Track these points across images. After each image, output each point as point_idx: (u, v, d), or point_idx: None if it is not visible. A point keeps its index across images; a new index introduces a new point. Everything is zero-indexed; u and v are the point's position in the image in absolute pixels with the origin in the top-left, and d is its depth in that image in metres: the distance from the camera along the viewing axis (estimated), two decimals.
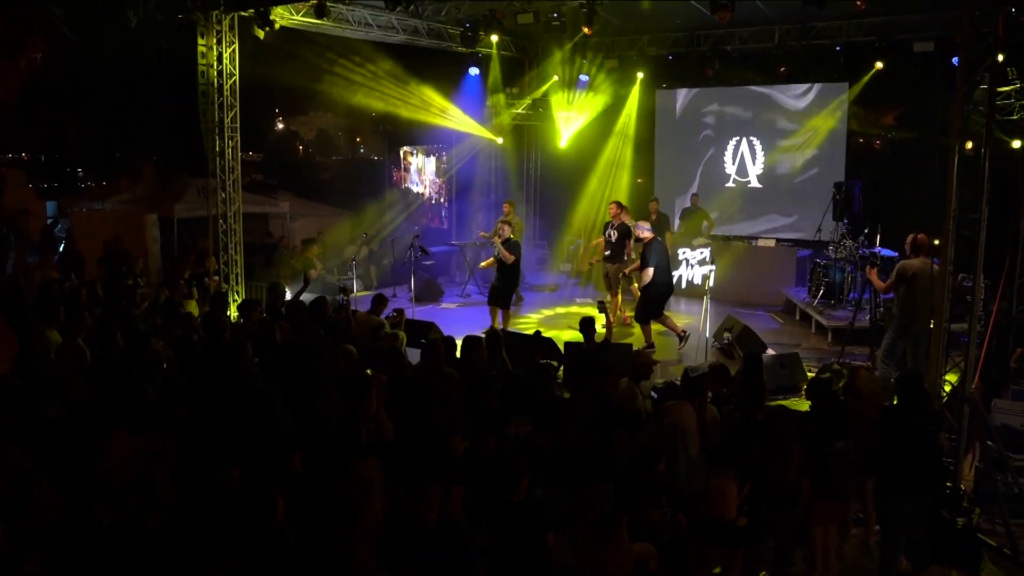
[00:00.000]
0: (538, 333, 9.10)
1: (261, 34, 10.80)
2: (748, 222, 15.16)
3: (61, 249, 15.05)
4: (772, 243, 14.22)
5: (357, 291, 11.94)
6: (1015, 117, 7.22)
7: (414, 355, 8.02)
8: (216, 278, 11.22)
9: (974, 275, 6.51)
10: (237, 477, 4.68)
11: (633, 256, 11.58)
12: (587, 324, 8.52)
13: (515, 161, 17.06)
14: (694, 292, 13.16)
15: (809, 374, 8.98)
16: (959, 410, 6.45)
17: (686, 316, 12.20)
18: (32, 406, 5.87)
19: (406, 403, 6.17)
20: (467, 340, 7.60)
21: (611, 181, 16.11)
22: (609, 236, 11.73)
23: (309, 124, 32.79)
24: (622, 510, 4.58)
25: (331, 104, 22.05)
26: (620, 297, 11.92)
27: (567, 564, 4.37)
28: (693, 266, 13.73)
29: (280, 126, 31.94)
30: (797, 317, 12.68)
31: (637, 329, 10.93)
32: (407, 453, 5.39)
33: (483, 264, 12.00)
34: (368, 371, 6.37)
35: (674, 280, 11.76)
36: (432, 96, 15.27)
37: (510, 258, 11.01)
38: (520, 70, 16.25)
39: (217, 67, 10.80)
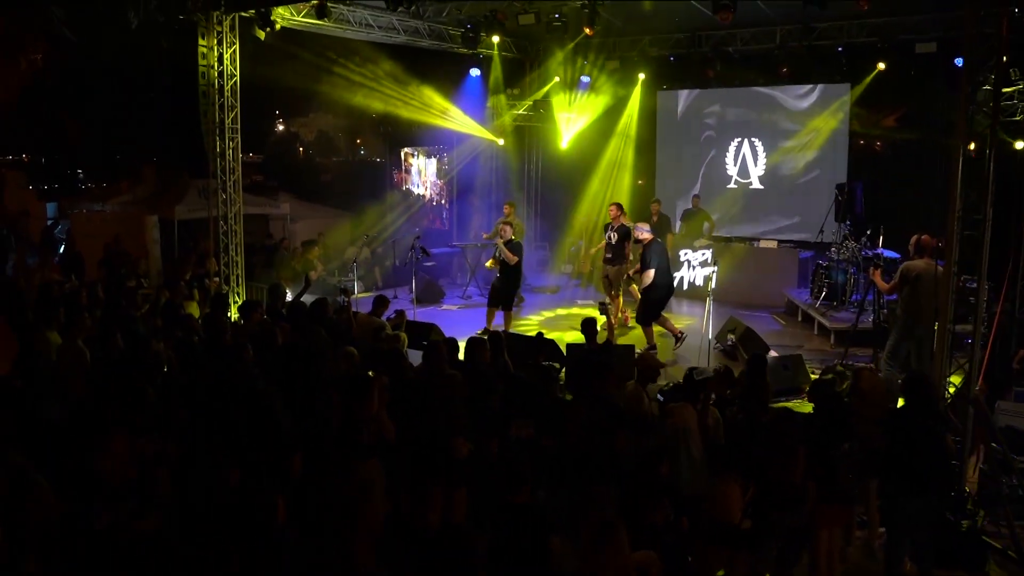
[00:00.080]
0: (540, 335, 9.09)
1: (262, 35, 10.79)
2: (750, 223, 15.15)
3: (61, 250, 15.05)
4: (774, 244, 14.17)
5: (358, 293, 11.92)
6: (1019, 118, 7.23)
7: (415, 357, 7.99)
8: (217, 279, 11.22)
9: (978, 276, 6.49)
10: (237, 478, 4.65)
11: (632, 258, 11.56)
12: (589, 325, 8.49)
13: (516, 162, 17.03)
14: (696, 294, 13.14)
15: (812, 376, 8.95)
16: (963, 412, 6.43)
17: (688, 318, 12.19)
18: (32, 407, 5.84)
19: (408, 405, 6.14)
20: (471, 342, 7.58)
21: (612, 182, 16.08)
22: (609, 238, 11.70)
23: (309, 125, 32.72)
24: (625, 512, 4.54)
25: (332, 105, 22.04)
26: (621, 299, 11.90)
27: (570, 568, 4.34)
28: (695, 267, 13.69)
29: (280, 127, 31.91)
30: (799, 319, 12.65)
31: (636, 330, 10.90)
32: (409, 455, 5.37)
33: (488, 264, 11.96)
34: (370, 373, 6.34)
35: (675, 282, 11.74)
36: (433, 97, 15.26)
37: (513, 259, 10.98)
38: (521, 71, 16.22)
39: (218, 68, 10.79)
